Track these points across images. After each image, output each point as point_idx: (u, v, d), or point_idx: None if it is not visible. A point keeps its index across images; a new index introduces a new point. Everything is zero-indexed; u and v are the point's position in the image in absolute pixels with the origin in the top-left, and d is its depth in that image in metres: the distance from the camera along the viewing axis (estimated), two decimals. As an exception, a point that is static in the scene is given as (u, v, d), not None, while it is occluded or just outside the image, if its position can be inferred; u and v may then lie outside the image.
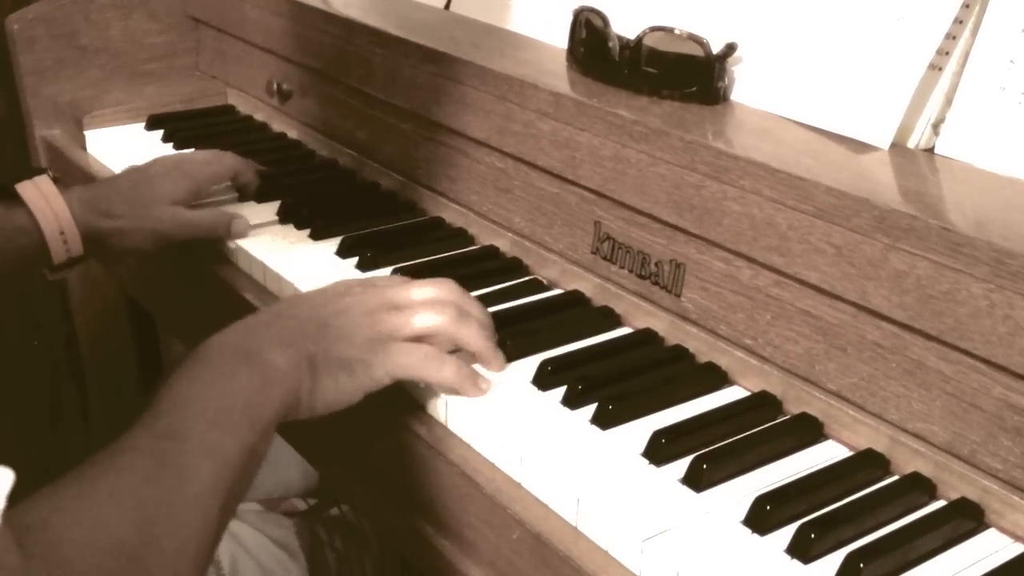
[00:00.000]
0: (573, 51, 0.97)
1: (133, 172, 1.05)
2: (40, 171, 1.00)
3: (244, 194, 1.10)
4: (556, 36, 1.03)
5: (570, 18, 0.97)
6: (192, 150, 1.10)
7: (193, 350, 0.70)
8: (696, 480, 0.68)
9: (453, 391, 0.75)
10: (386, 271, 0.94)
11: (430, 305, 0.77)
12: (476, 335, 0.77)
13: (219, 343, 0.71)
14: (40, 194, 0.96)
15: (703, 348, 0.82)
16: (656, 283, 0.85)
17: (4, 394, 1.49)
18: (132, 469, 0.60)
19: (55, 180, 0.99)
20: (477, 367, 0.78)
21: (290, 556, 1.21)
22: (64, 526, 0.54)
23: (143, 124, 1.31)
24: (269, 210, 1.07)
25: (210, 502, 0.62)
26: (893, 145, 0.81)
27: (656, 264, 0.85)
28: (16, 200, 0.96)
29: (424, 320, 0.75)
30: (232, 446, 0.65)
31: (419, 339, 0.76)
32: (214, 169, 1.06)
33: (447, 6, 1.21)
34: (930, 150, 0.82)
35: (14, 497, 0.50)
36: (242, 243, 0.99)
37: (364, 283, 0.79)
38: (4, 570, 0.50)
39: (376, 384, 0.74)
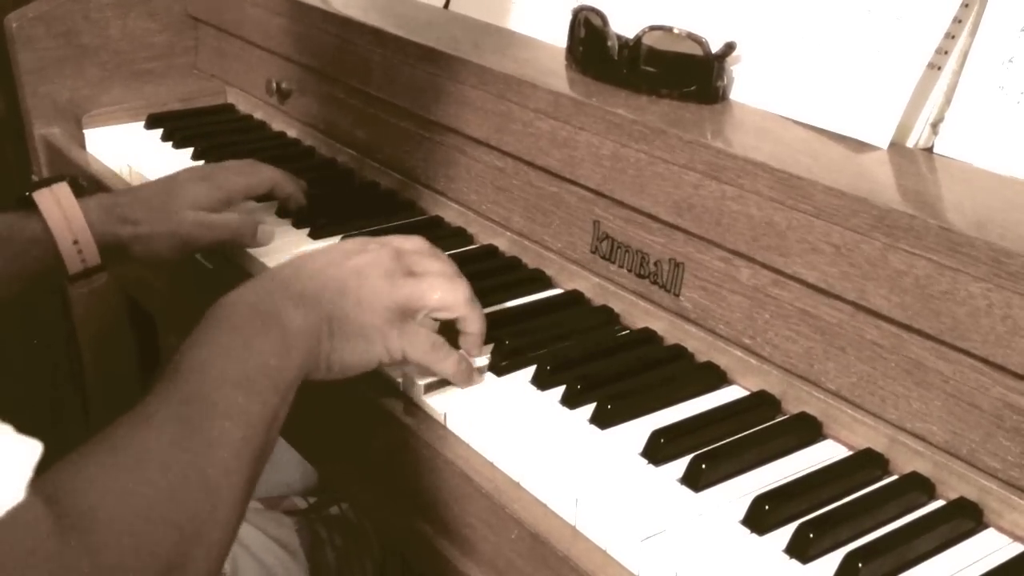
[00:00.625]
0: (572, 50, 0.97)
1: (158, 180, 1.01)
2: (60, 178, 0.95)
3: (286, 209, 1.05)
4: (555, 35, 1.03)
5: (569, 17, 0.97)
6: (228, 161, 1.05)
7: (210, 310, 0.70)
8: (695, 480, 0.68)
9: (451, 380, 0.77)
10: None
11: (447, 278, 0.77)
12: (480, 318, 0.79)
13: (236, 303, 0.70)
14: (55, 202, 0.92)
15: (702, 347, 0.82)
16: (655, 282, 0.85)
17: (4, 393, 1.49)
18: (159, 434, 0.60)
19: (78, 187, 0.95)
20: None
21: (290, 555, 1.21)
22: (95, 494, 0.54)
23: (142, 123, 1.31)
24: (268, 209, 1.07)
25: (238, 466, 0.62)
26: (892, 144, 0.81)
27: (655, 263, 0.85)
28: (34, 209, 0.92)
29: (442, 294, 0.76)
30: (256, 409, 0.65)
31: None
32: (247, 181, 1.01)
33: (446, 5, 1.21)
34: (929, 149, 0.81)
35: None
36: (241, 242, 0.99)
37: (379, 240, 0.79)
38: (38, 539, 0.50)
39: (390, 357, 0.75)
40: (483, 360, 0.81)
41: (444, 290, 0.76)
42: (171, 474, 0.58)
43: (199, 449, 0.60)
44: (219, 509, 0.60)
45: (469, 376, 0.78)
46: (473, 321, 0.79)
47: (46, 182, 0.93)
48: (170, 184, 0.99)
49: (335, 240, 1.00)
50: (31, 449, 0.49)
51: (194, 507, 0.58)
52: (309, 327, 0.70)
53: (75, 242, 0.92)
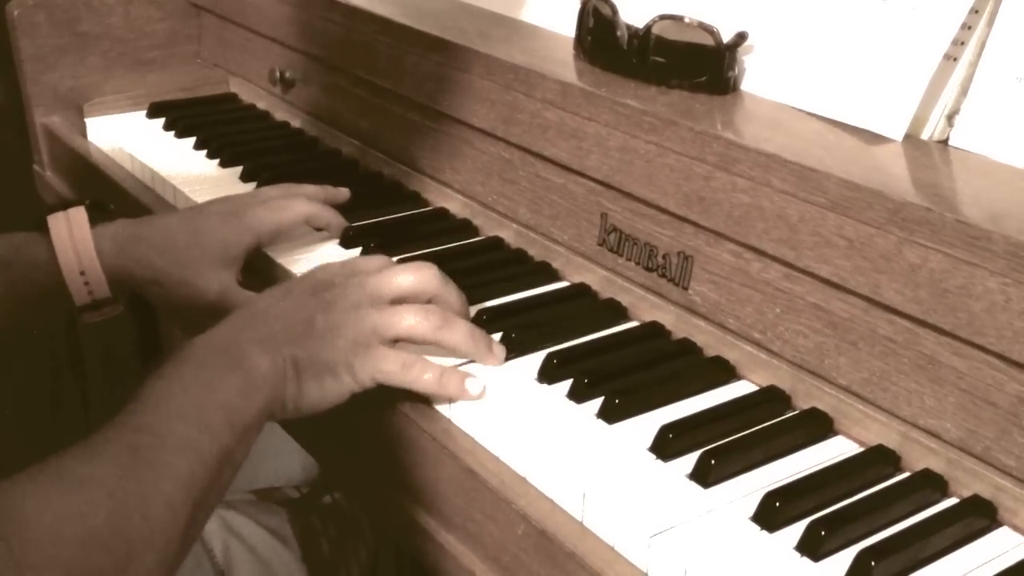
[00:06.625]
0: (581, 40, 0.96)
1: (184, 214, 0.93)
2: (79, 201, 0.90)
3: (329, 233, 0.98)
4: (564, 25, 1.02)
5: (578, 6, 0.96)
6: (259, 190, 0.98)
7: (180, 348, 0.70)
8: (704, 476, 0.68)
9: (443, 397, 0.75)
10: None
11: (413, 266, 0.78)
12: (463, 340, 0.76)
13: (204, 343, 0.71)
14: (67, 228, 0.87)
15: (711, 342, 0.81)
16: (664, 276, 0.84)
17: (4, 383, 1.49)
18: (107, 461, 0.60)
19: (103, 210, 0.89)
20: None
21: (284, 544, 1.20)
22: (35, 509, 0.54)
23: (144, 112, 1.30)
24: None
25: (182, 500, 0.62)
26: (907, 137, 0.80)
27: (664, 256, 0.84)
28: (47, 233, 0.87)
29: (408, 324, 0.75)
30: (209, 447, 0.65)
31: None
32: (278, 220, 0.93)
33: (452, -6, 1.20)
34: (944, 142, 0.80)
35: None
36: (244, 232, 0.98)
37: (347, 271, 0.78)
38: None
39: (360, 387, 0.74)
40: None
41: (411, 273, 0.77)
42: (113, 500, 0.58)
43: (145, 479, 0.60)
44: (156, 539, 0.60)
45: (459, 386, 0.74)
46: (456, 344, 0.76)
47: (64, 205, 0.89)
48: (196, 222, 0.91)
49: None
50: None
51: (130, 535, 0.58)
52: (274, 369, 0.71)
53: (82, 273, 0.87)
